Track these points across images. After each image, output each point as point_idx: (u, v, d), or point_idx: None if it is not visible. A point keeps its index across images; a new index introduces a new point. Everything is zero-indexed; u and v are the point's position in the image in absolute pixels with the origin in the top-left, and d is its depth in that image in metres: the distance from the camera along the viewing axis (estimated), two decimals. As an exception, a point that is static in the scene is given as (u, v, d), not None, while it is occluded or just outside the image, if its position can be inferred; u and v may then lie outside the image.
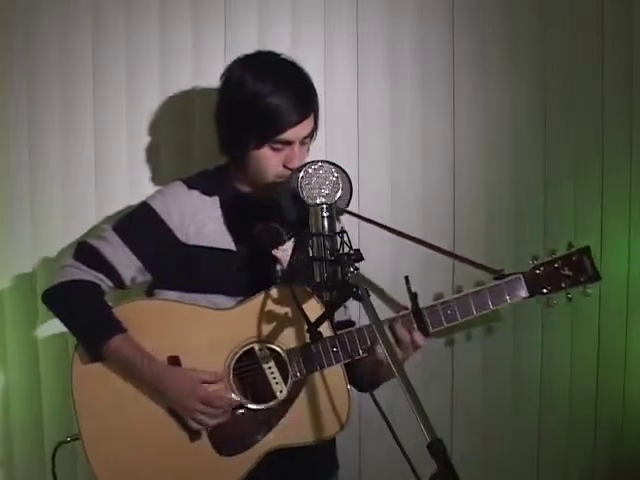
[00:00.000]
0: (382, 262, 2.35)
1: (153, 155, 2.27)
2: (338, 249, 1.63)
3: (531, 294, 1.91)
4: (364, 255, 1.62)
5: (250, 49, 1.92)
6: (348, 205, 1.74)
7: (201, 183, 1.93)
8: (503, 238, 2.47)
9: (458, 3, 2.40)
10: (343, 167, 1.70)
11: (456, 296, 1.89)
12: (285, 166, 1.83)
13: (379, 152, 2.40)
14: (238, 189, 1.94)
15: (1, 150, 2.21)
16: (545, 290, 1.92)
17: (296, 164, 1.80)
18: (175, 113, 2.26)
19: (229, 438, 1.83)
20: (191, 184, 1.92)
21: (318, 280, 1.61)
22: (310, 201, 1.65)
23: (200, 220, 1.89)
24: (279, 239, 1.90)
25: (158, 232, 1.87)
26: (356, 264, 1.60)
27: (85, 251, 1.88)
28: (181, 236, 1.88)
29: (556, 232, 2.48)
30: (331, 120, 2.29)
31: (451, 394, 2.50)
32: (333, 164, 1.69)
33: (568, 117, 2.49)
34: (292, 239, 1.91)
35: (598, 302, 2.53)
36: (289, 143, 1.82)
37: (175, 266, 1.89)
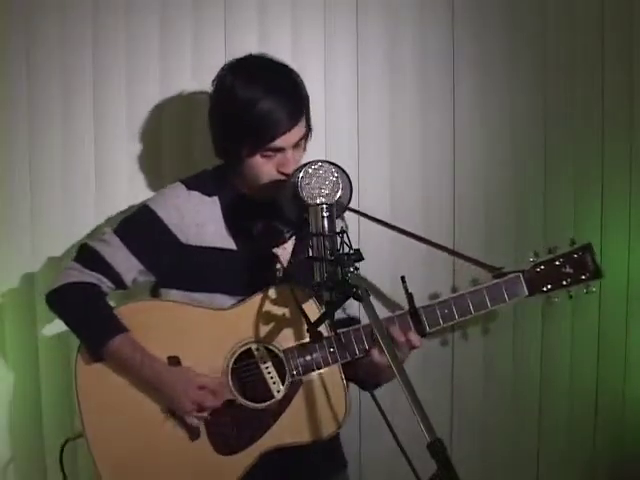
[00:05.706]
0: (382, 261, 2.35)
1: (153, 155, 2.27)
2: (338, 249, 1.63)
3: (531, 293, 1.86)
4: (364, 255, 1.62)
5: (250, 49, 1.92)
6: (348, 205, 1.73)
7: (201, 184, 1.93)
8: (503, 238, 2.47)
9: (458, 3, 2.40)
10: (343, 167, 1.70)
11: (453, 295, 1.87)
12: (279, 171, 1.82)
13: (379, 152, 2.40)
14: (237, 189, 1.94)
15: (1, 150, 2.20)
16: (545, 288, 1.87)
17: (290, 168, 1.79)
18: (175, 113, 2.26)
19: (228, 437, 1.84)
20: (191, 185, 1.93)
21: (318, 280, 1.61)
22: (310, 201, 1.65)
23: (200, 220, 1.89)
24: (280, 237, 1.90)
25: (159, 234, 1.88)
26: (356, 264, 1.60)
27: (86, 253, 1.91)
28: (182, 237, 1.88)
29: (556, 231, 2.48)
30: (331, 120, 2.29)
31: (451, 394, 2.50)
32: (333, 164, 1.68)
33: (568, 117, 2.49)
34: (293, 237, 1.92)
35: (598, 301, 2.52)
36: (281, 150, 1.82)
37: (176, 267, 1.90)
